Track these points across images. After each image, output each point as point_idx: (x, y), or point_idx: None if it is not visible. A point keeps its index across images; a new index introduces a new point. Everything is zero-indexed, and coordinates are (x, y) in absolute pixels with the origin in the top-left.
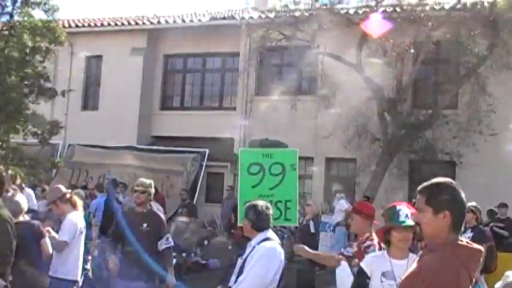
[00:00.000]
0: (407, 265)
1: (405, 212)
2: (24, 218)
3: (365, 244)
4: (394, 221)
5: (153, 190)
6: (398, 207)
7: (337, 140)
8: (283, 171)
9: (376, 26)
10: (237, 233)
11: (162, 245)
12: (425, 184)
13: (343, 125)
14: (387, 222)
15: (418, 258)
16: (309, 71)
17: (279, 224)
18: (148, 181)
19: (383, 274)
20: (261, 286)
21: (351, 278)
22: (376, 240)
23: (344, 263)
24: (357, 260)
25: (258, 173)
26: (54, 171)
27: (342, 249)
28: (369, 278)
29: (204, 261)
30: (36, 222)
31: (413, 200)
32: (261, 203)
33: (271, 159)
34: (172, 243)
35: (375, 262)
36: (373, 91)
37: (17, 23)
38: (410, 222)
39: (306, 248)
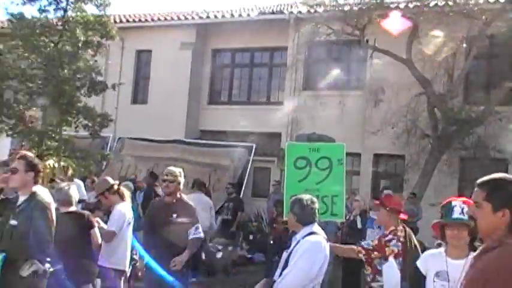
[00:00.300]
0: (465, 266)
1: (460, 208)
2: (75, 208)
3: (386, 238)
4: (447, 218)
5: (182, 179)
6: (453, 203)
7: (386, 136)
8: (330, 165)
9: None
10: (278, 227)
11: (190, 234)
12: (485, 178)
13: (392, 121)
14: (441, 219)
15: (474, 259)
16: (357, 65)
17: (325, 219)
18: (177, 170)
19: (436, 274)
20: (306, 280)
21: (398, 275)
22: (401, 234)
23: (391, 260)
24: (376, 252)
25: (304, 167)
26: (104, 163)
27: (362, 242)
28: (425, 277)
29: (249, 255)
30: (86, 212)
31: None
32: (306, 197)
33: (318, 153)
34: (201, 234)
35: (430, 261)
36: (424, 86)
37: (71, 18)
38: (464, 218)
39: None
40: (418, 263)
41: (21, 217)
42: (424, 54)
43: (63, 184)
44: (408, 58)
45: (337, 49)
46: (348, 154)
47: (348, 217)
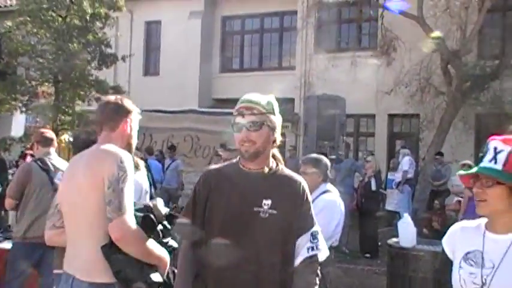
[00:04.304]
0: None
1: (493, 152)
2: None
3: None
4: (475, 168)
5: (279, 129)
6: (490, 144)
7: (399, 95)
8: None
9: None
10: None
11: (301, 249)
12: None
13: (405, 80)
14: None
15: None
16: (368, 26)
17: None
18: (267, 98)
19: (465, 256)
20: (324, 237)
21: (414, 232)
22: None
23: (406, 215)
24: None
25: None
26: None
27: None
28: (451, 261)
29: None
30: None
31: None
32: (321, 155)
33: None
34: (323, 252)
35: (460, 236)
36: (436, 43)
37: None
38: (495, 168)
39: None
40: (444, 241)
41: None
42: (435, 11)
43: None
44: (419, 15)
45: (347, 10)
46: (362, 115)
47: (362, 179)
